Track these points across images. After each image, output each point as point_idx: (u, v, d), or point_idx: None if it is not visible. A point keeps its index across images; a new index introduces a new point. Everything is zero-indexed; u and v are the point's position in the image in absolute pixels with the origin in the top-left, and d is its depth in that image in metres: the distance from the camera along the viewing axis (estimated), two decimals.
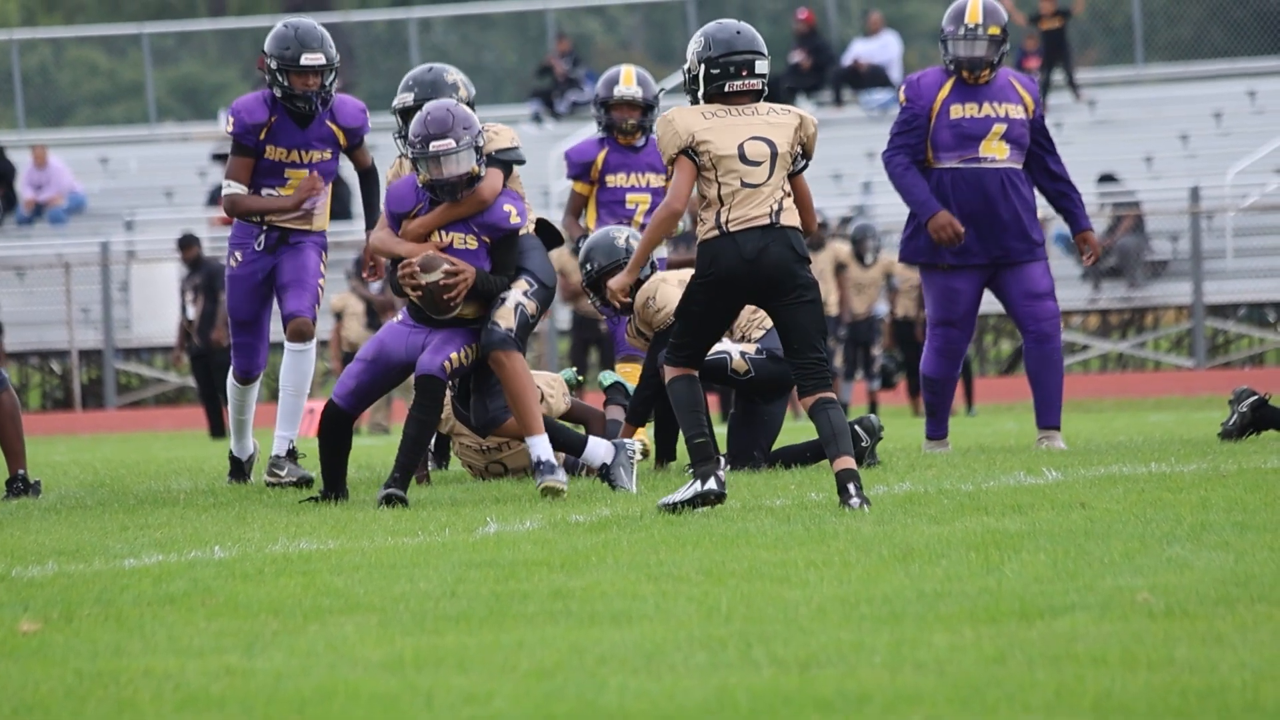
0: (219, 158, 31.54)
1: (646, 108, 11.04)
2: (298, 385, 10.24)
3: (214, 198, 30.10)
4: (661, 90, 11.03)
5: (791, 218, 8.13)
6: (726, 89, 8.12)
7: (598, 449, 9.20)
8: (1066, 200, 10.88)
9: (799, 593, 5.74)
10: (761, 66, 8.14)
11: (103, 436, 21.45)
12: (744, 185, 8.06)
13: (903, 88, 10.88)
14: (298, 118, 9.99)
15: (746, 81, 8.12)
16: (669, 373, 8.16)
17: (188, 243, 20.84)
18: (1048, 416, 10.87)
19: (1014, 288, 10.83)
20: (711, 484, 7.94)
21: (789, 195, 8.14)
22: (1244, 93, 28.64)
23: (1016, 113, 10.79)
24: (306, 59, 9.81)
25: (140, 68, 34.15)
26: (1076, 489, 8.32)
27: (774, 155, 8.10)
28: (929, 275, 10.91)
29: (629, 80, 11.04)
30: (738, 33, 8.13)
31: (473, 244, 9.01)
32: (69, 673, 4.97)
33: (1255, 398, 10.88)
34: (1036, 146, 10.85)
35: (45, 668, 5.06)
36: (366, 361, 9.06)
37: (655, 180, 11.10)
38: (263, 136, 9.95)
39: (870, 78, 30.25)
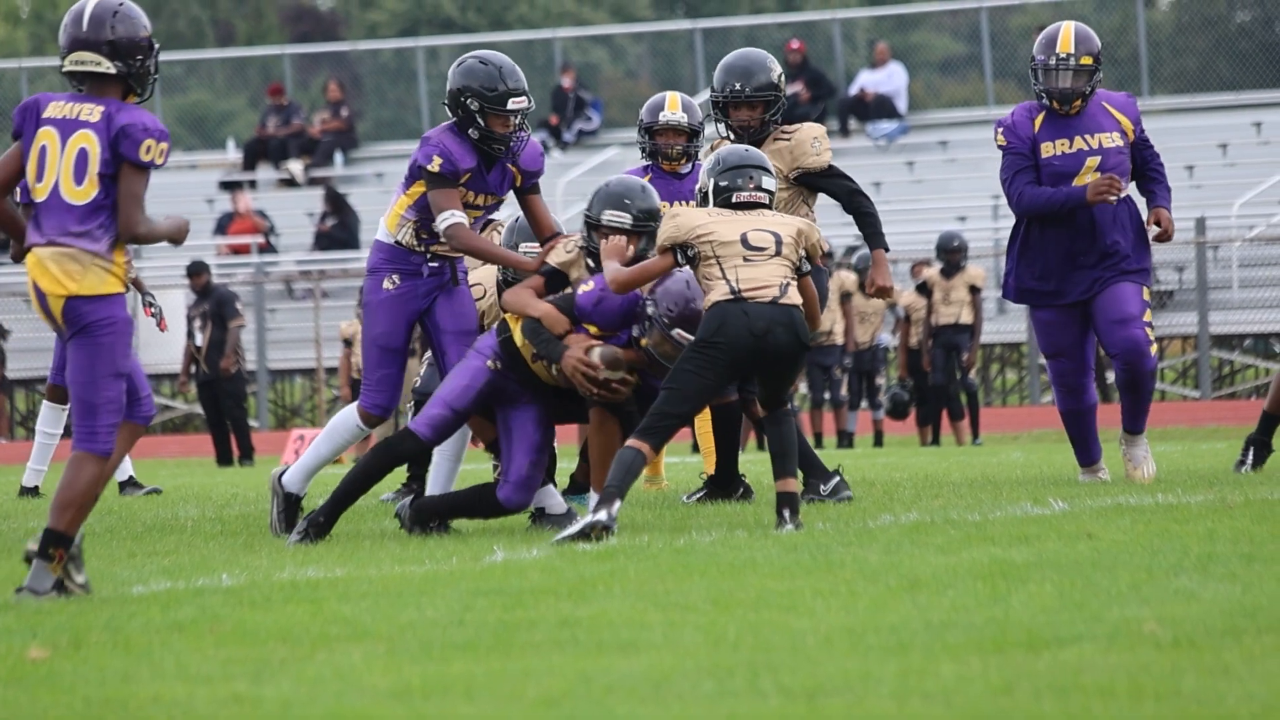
0: (226, 185, 31.59)
1: (692, 133, 10.84)
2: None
3: (221, 225, 30.13)
4: (707, 116, 10.94)
5: (796, 297, 8.42)
6: (734, 200, 8.57)
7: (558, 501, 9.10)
8: (1151, 182, 10.40)
9: (806, 622, 5.74)
10: (768, 183, 8.61)
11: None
12: (746, 261, 8.40)
13: (999, 131, 10.46)
14: (488, 160, 9.16)
15: (754, 194, 8.58)
16: (630, 440, 8.26)
17: (196, 270, 20.87)
18: (1134, 422, 10.45)
19: (1100, 315, 10.38)
20: (601, 515, 8.08)
21: (795, 281, 8.44)
22: (1249, 124, 28.67)
23: (1112, 141, 10.35)
24: (514, 103, 9.02)
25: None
26: (1083, 519, 8.33)
27: (779, 242, 8.46)
28: (1032, 311, 10.63)
29: (674, 106, 10.88)
30: (746, 151, 8.70)
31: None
32: (77, 700, 4.98)
33: (1248, 440, 10.96)
34: (1141, 164, 10.40)
35: (54, 695, 5.07)
36: (459, 413, 8.75)
37: None
38: (463, 181, 9.12)
39: (876, 108, 30.31)
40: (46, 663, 5.50)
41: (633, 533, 8.54)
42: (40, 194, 6.95)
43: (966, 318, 20.91)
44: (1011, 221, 10.84)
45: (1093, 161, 10.35)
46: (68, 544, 6.87)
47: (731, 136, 10.14)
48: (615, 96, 37.29)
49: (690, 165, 10.84)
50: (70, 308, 6.93)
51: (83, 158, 6.93)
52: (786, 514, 8.32)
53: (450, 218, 8.94)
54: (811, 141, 10.00)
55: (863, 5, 49.83)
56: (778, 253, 8.43)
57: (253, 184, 31.81)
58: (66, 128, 6.95)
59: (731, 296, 8.32)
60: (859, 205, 9.97)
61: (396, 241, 9.14)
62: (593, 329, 8.74)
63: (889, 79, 30.58)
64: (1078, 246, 10.40)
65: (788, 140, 10.00)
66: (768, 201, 8.59)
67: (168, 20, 54.79)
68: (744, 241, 8.42)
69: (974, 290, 20.89)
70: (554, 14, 53.55)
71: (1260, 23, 32.25)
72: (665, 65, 34.85)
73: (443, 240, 9.08)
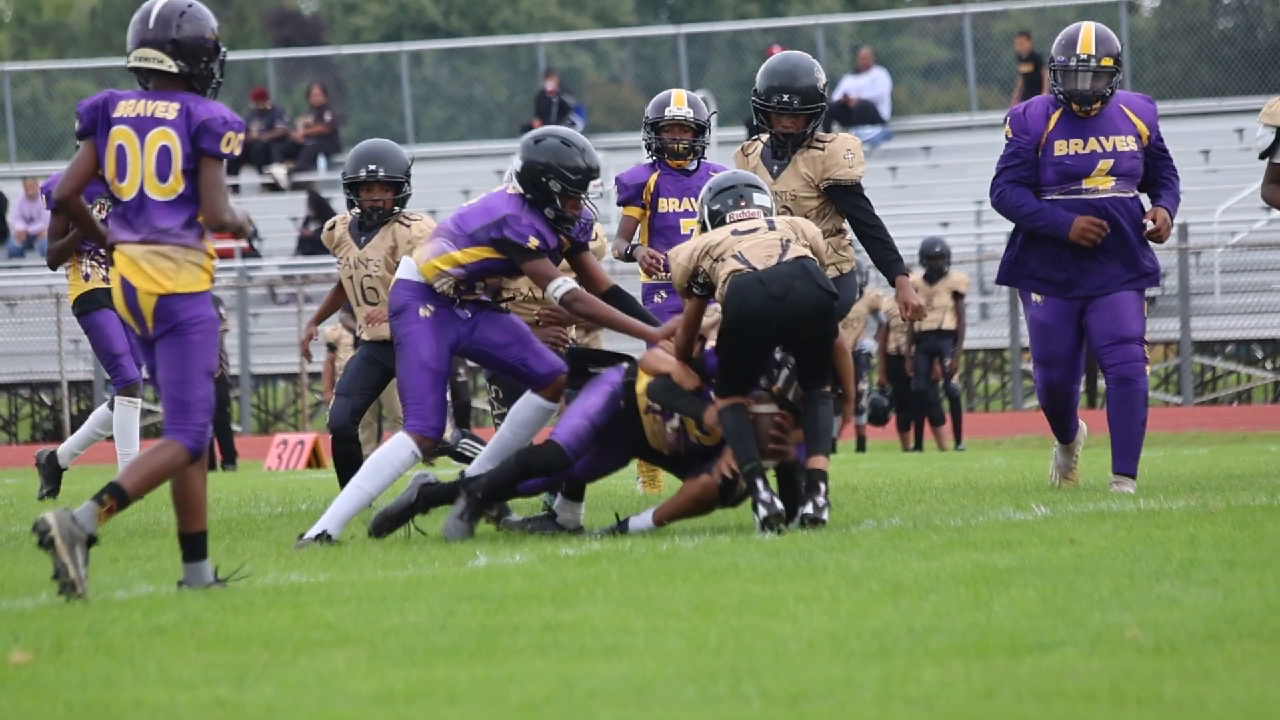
0: None
1: (698, 130, 10.65)
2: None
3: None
4: (714, 114, 10.86)
5: (802, 250, 8.47)
6: (728, 219, 8.66)
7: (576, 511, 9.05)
8: (1159, 187, 10.24)
9: (788, 627, 5.75)
10: (760, 199, 8.70)
11: (92, 468, 21.46)
12: (741, 241, 8.51)
13: (1007, 120, 10.30)
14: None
15: (746, 211, 8.66)
16: (720, 402, 8.45)
17: None
18: (1123, 463, 10.24)
19: (1098, 326, 10.23)
20: (766, 510, 8.31)
21: (795, 243, 8.52)
22: (1232, 130, 28.73)
23: (1126, 144, 10.17)
24: (594, 186, 8.90)
25: None
26: (1065, 525, 8.34)
27: (770, 222, 8.57)
28: (1028, 310, 10.40)
29: (680, 102, 10.72)
30: (735, 173, 8.85)
31: None
32: (59, 704, 4.98)
33: None
34: (1153, 171, 10.24)
35: (36, 699, 5.06)
36: (598, 427, 8.67)
37: None
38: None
39: (860, 114, 30.34)
40: (28, 667, 5.49)
41: (615, 537, 8.54)
42: (125, 193, 7.05)
43: (949, 323, 20.93)
44: (994, 226, 10.77)
45: (1105, 164, 10.18)
46: (124, 500, 6.95)
47: (764, 138, 10.06)
48: (599, 101, 37.30)
49: (696, 162, 10.73)
50: (163, 305, 7.00)
51: (165, 155, 7.03)
52: (814, 491, 8.34)
53: (564, 285, 8.75)
54: (845, 153, 9.87)
55: (846, 11, 49.89)
56: (771, 228, 8.52)
57: (236, 188, 31.79)
58: (143, 126, 7.05)
59: (742, 265, 8.39)
60: (873, 233, 9.83)
61: (427, 281, 8.89)
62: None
63: (872, 84, 30.62)
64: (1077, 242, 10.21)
65: (821, 150, 9.87)
66: (760, 218, 8.64)
67: None
68: (734, 231, 8.55)
69: (957, 296, 20.91)
70: (537, 19, 53.56)
71: (1242, 29, 32.32)
72: (649, 70, 34.87)
73: (482, 295, 8.91)
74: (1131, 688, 4.76)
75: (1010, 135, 10.30)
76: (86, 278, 12.25)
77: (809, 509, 8.38)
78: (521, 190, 8.82)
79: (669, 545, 8.07)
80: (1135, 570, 6.72)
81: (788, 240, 8.45)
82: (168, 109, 7.04)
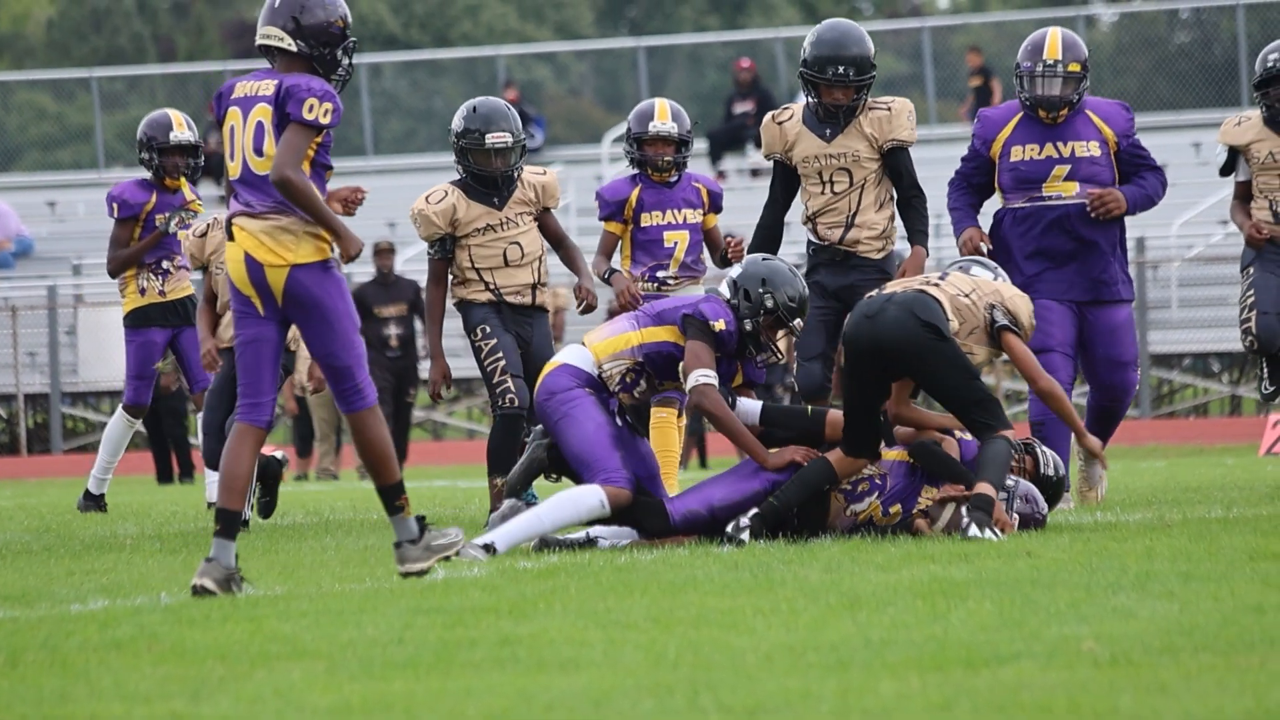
0: None
1: (680, 144, 10.46)
2: None
3: None
4: (696, 124, 10.76)
5: (933, 291, 8.50)
6: None
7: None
8: (1129, 182, 10.13)
9: (746, 640, 5.75)
10: (977, 270, 8.84)
11: (49, 481, 21.37)
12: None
13: (975, 121, 10.26)
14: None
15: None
16: (832, 454, 8.53)
17: None
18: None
19: (1098, 347, 10.19)
20: (728, 534, 8.45)
21: (929, 286, 8.61)
22: (1189, 145, 28.84)
23: (1087, 150, 10.04)
24: (797, 323, 8.85)
25: (89, 112, 34.08)
26: (1022, 538, 8.36)
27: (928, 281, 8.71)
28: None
29: (664, 115, 10.45)
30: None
31: None
32: (14, 719, 4.95)
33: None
34: (1127, 171, 10.12)
35: None
36: (714, 513, 8.62)
37: (692, 216, 10.52)
38: None
39: None
40: None
41: (573, 550, 8.53)
42: (234, 171, 7.19)
43: None
44: (952, 240, 10.75)
45: (1060, 170, 10.09)
46: (402, 490, 7.23)
47: (796, 105, 9.93)
48: (558, 114, 37.31)
49: (678, 175, 10.58)
50: (293, 279, 7.12)
51: (259, 130, 7.16)
52: (976, 510, 8.29)
53: (707, 376, 8.55)
54: (907, 115, 9.86)
55: (806, 24, 50.00)
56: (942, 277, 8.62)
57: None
58: (247, 104, 7.20)
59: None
60: (913, 201, 9.80)
61: (597, 364, 8.69)
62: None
63: None
64: (1048, 246, 10.13)
65: (886, 110, 9.84)
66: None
67: (109, 36, 54.58)
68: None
69: None
70: (497, 31, 53.56)
71: (1199, 44, 32.48)
72: (609, 83, 34.88)
73: (638, 395, 8.76)
74: (1087, 700, 4.77)
75: (972, 136, 10.32)
76: (143, 291, 12.46)
77: (969, 529, 8.25)
78: (730, 295, 8.74)
79: (627, 558, 8.07)
80: (1092, 583, 6.73)
81: (922, 285, 8.53)
82: (268, 86, 7.17)
